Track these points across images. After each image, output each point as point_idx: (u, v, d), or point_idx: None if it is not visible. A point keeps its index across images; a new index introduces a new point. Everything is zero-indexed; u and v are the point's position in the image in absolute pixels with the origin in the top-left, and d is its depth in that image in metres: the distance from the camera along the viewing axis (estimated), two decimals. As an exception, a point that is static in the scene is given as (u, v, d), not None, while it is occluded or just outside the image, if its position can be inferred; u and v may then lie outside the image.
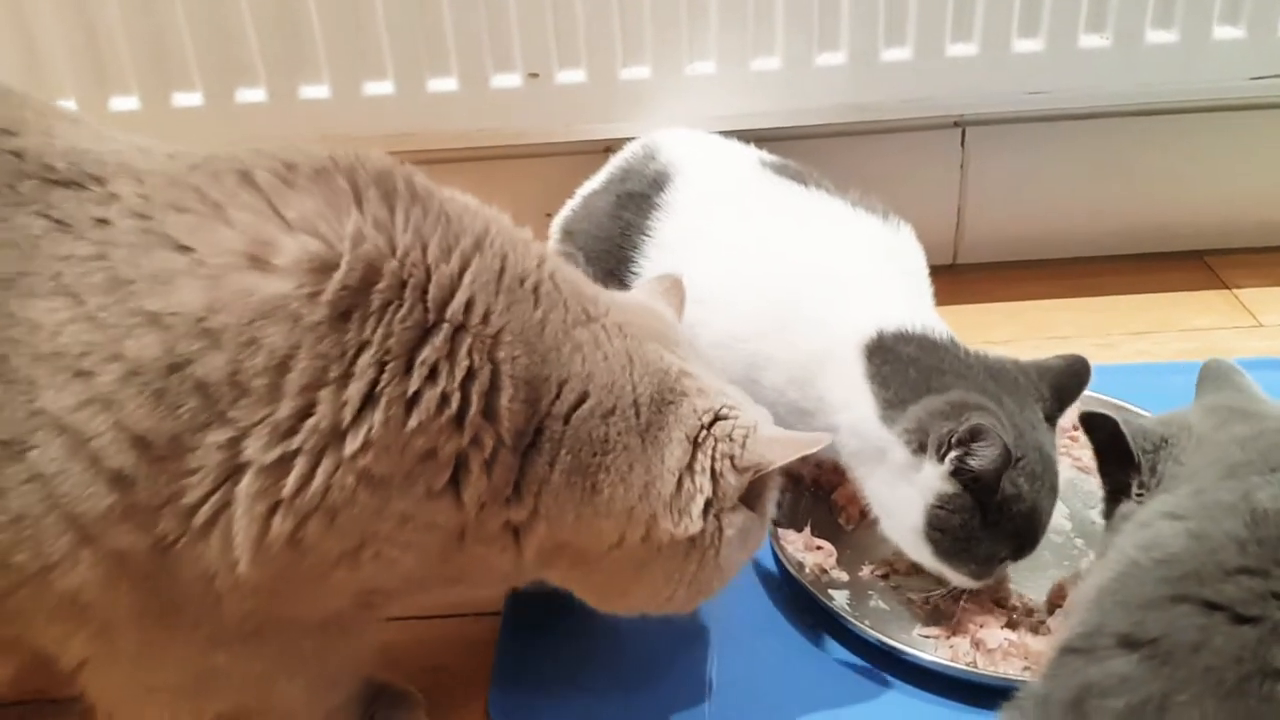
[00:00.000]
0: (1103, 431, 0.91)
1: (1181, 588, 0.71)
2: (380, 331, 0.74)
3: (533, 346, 0.80)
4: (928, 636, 1.09)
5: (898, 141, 1.62)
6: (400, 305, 0.75)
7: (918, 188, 1.61)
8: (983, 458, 1.00)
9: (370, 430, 0.74)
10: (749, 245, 1.21)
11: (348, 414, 0.73)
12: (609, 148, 1.45)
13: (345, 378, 0.73)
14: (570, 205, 1.39)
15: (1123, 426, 0.89)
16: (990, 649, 1.06)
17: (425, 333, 0.76)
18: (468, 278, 0.78)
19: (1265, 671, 0.66)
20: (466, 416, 0.77)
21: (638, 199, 1.28)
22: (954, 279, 1.66)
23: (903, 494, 1.06)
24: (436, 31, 1.44)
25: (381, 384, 0.74)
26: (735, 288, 1.16)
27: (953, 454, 1.01)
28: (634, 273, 1.23)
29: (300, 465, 0.73)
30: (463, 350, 0.77)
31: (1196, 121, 1.63)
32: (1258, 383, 1.35)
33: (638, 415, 0.84)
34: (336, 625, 0.87)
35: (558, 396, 0.81)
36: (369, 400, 0.74)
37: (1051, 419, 1.08)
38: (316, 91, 1.46)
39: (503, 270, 0.81)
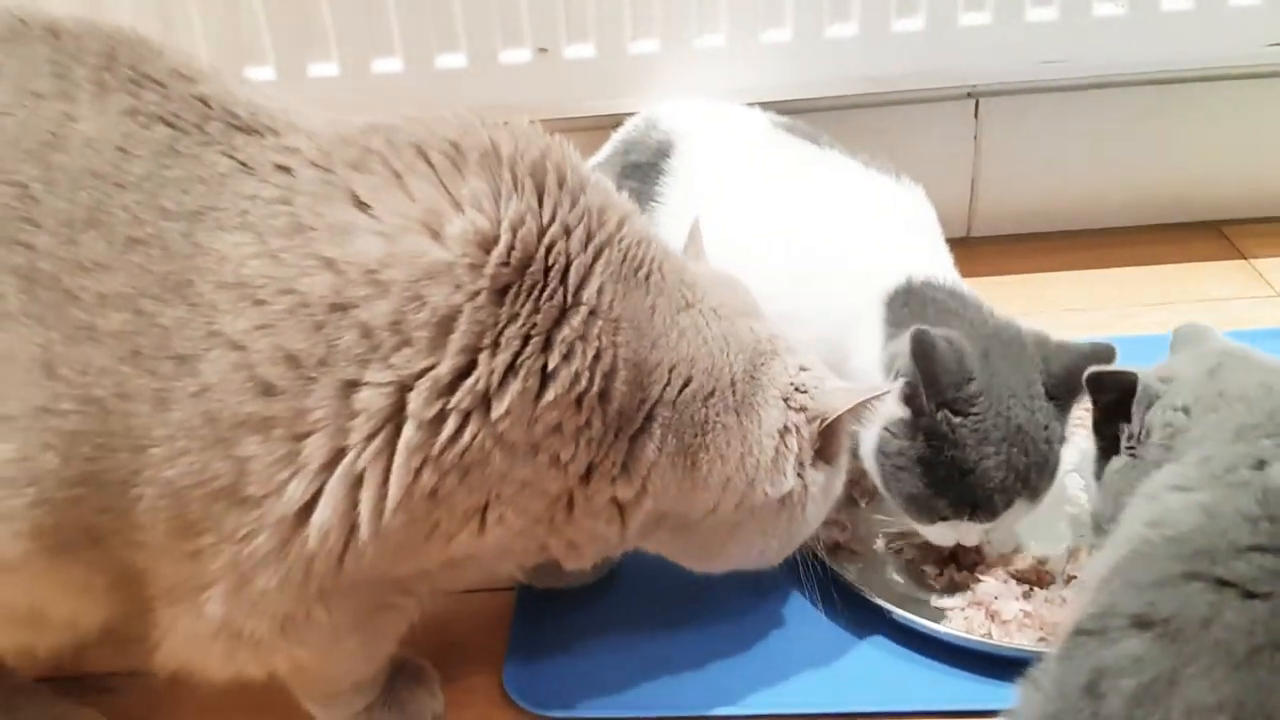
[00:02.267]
0: (1115, 391, 0.90)
1: (1193, 566, 0.71)
2: (528, 307, 0.80)
3: (643, 332, 0.86)
4: (942, 609, 1.09)
5: (910, 113, 1.61)
6: (545, 287, 0.81)
7: (931, 160, 1.56)
8: (904, 356, 1.01)
9: (511, 398, 0.79)
10: (767, 204, 1.21)
11: (494, 380, 0.79)
12: (618, 123, 1.44)
13: (495, 346, 0.79)
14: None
15: (1142, 379, 0.89)
16: (1005, 620, 1.06)
17: (563, 314, 0.82)
18: (599, 266, 0.84)
19: (1276, 644, 0.66)
20: (586, 396, 0.82)
21: (643, 168, 1.28)
22: (968, 252, 1.62)
23: (874, 420, 1.06)
24: (444, 7, 1.44)
25: (524, 356, 0.80)
26: (758, 246, 1.16)
27: (902, 376, 1.02)
28: None
29: (451, 423, 0.79)
30: (594, 333, 0.82)
31: (1212, 90, 1.61)
32: (1275, 353, 1.35)
33: (734, 394, 0.90)
34: (402, 587, 0.90)
35: (667, 383, 0.87)
36: (511, 370, 0.80)
37: (1058, 399, 1.05)
38: (324, 70, 1.47)
39: (625, 260, 0.86)
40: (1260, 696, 0.65)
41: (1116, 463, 0.91)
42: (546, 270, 0.81)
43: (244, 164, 0.82)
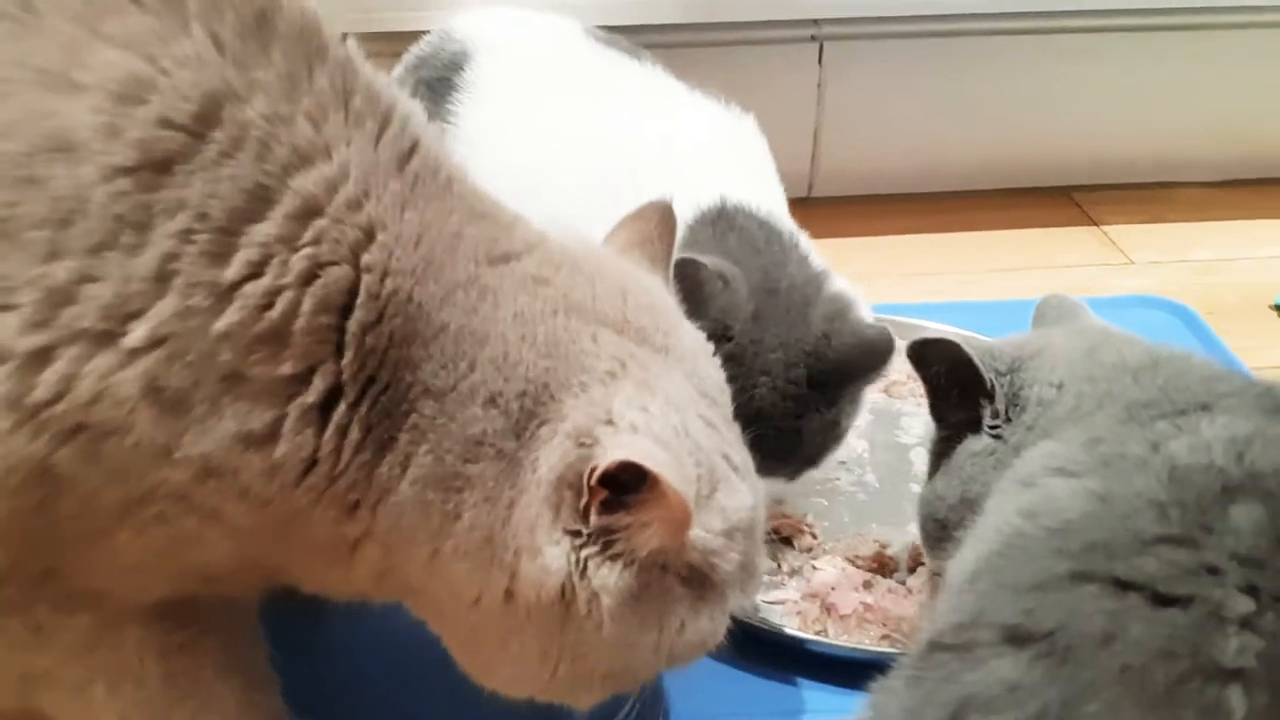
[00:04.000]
0: (940, 363, 0.73)
1: (1083, 563, 0.52)
2: (200, 190, 0.54)
3: (435, 269, 0.58)
4: (773, 603, 0.91)
5: (749, 56, 1.44)
6: (236, 159, 0.54)
7: (771, 111, 1.39)
8: None
9: (159, 320, 0.53)
10: (575, 121, 1.02)
11: (134, 292, 0.53)
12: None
13: (137, 247, 0.53)
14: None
15: (966, 349, 0.71)
16: (843, 614, 0.90)
17: (263, 202, 0.55)
18: (348, 147, 0.57)
19: (1206, 671, 0.47)
20: (292, 334, 0.55)
21: (434, 85, 1.08)
22: (809, 212, 1.48)
23: None
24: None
25: (182, 261, 0.53)
26: (560, 168, 0.97)
27: None
28: None
29: (65, 359, 0.53)
30: (308, 236, 0.55)
31: (1067, 43, 1.48)
32: (1132, 320, 1.23)
33: (521, 408, 0.59)
34: (186, 622, 0.64)
35: (443, 360, 0.58)
36: (160, 279, 0.53)
37: (822, 388, 0.86)
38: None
39: (410, 154, 0.60)
40: (1192, 748, 0.46)
41: (975, 444, 0.72)
42: (241, 139, 0.55)
43: None
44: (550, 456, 0.59)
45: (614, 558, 0.60)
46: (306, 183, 0.55)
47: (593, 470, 0.58)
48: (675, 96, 1.04)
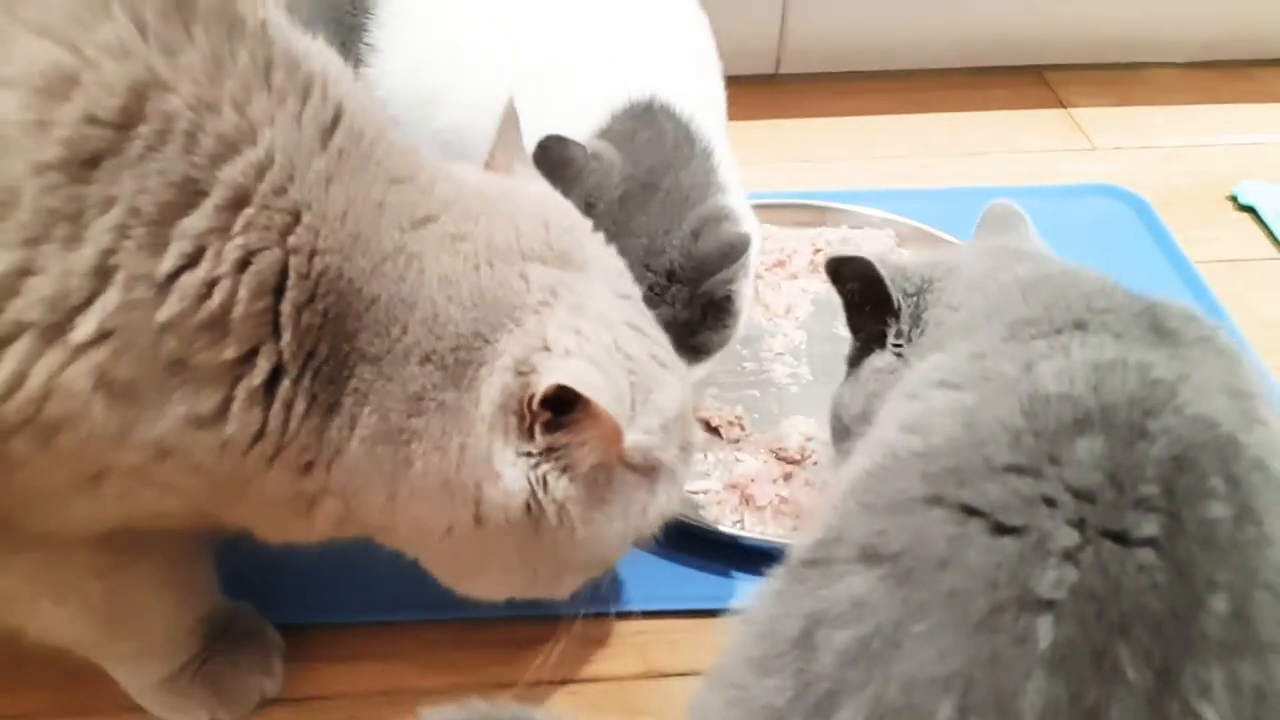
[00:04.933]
0: (854, 279, 0.74)
1: (938, 487, 0.54)
2: (130, 186, 0.55)
3: (362, 242, 0.61)
4: (697, 492, 0.93)
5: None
6: (163, 152, 0.55)
7: None
8: None
9: (105, 315, 0.55)
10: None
11: (75, 287, 0.55)
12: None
13: (72, 240, 0.54)
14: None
15: (879, 267, 0.72)
16: (760, 506, 0.92)
17: (193, 195, 0.56)
18: (272, 128, 0.58)
19: (1023, 601, 0.49)
20: (231, 320, 0.58)
21: None
22: (775, 90, 1.50)
23: None
24: None
25: (119, 254, 0.55)
26: (495, 47, 0.94)
27: None
28: (367, 45, 0.98)
29: (14, 356, 0.55)
30: (240, 224, 0.57)
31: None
32: (1084, 209, 1.24)
33: (457, 359, 0.63)
34: (124, 547, 0.68)
35: (377, 329, 0.62)
36: (100, 273, 0.55)
37: (682, 284, 0.86)
38: None
39: (334, 127, 0.61)
40: (996, 676, 0.48)
41: (879, 360, 0.73)
42: (168, 130, 0.56)
43: None
44: (491, 390, 0.64)
45: (565, 470, 0.66)
46: (235, 172, 0.57)
47: (531, 396, 0.63)
48: None
